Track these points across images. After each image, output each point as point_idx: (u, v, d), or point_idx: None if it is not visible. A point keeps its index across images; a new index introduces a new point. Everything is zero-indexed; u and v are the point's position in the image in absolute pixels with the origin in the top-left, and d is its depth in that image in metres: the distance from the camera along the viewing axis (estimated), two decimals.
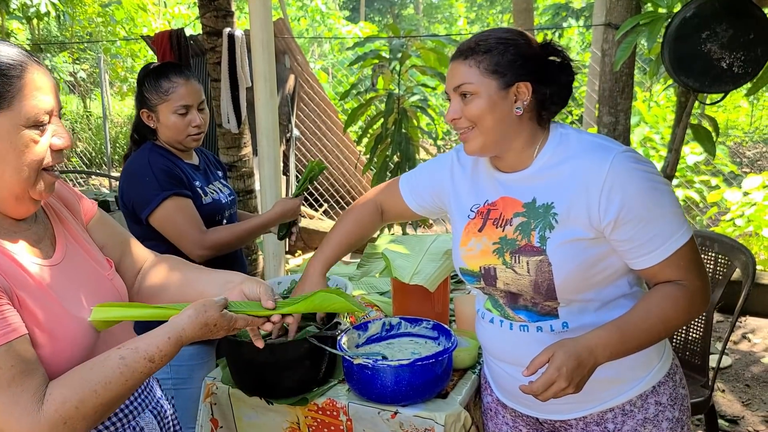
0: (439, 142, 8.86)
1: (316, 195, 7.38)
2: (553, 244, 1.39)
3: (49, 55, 10.76)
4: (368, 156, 4.17)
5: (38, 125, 1.12)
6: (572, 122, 11.41)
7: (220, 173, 2.34)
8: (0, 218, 1.17)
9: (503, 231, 1.48)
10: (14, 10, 8.61)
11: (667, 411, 1.48)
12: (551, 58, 1.46)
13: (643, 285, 1.52)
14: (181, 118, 2.07)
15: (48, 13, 8.61)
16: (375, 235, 4.38)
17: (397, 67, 3.96)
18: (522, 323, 1.49)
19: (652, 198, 1.33)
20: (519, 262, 1.43)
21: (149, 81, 2.06)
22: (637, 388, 1.46)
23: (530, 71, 1.40)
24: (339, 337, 1.70)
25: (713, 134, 2.80)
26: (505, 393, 1.62)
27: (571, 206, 1.38)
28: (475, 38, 1.44)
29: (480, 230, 1.53)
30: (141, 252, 1.54)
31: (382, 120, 4.02)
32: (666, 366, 1.50)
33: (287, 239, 2.36)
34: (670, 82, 3.47)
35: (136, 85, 2.14)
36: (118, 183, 2.19)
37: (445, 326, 1.78)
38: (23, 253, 1.17)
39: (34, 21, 9.46)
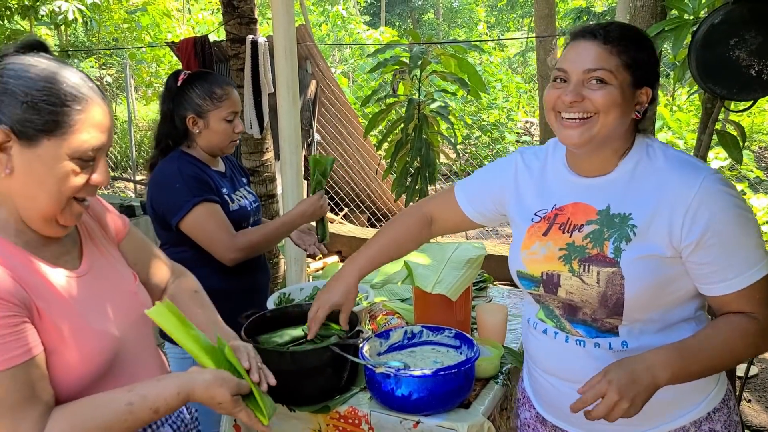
0: (459, 147, 8.86)
1: (336, 199, 7.40)
2: (628, 258, 1.32)
3: (76, 60, 10.92)
4: (388, 161, 4.17)
5: (83, 159, 1.13)
6: None
7: (244, 180, 2.36)
8: (30, 232, 1.18)
9: (570, 237, 1.40)
10: (43, 16, 8.74)
11: None
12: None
13: (706, 308, 1.45)
14: (229, 125, 2.12)
15: (75, 20, 8.74)
16: None
17: (418, 73, 3.97)
18: (579, 338, 1.41)
19: (738, 224, 1.27)
20: (588, 271, 1.36)
21: (200, 87, 2.09)
22: (692, 414, 1.39)
23: (653, 76, 1.35)
24: (361, 346, 1.70)
25: (740, 140, 2.76)
26: (549, 408, 1.54)
27: (652, 221, 1.31)
28: (613, 25, 1.35)
29: (545, 234, 1.45)
30: (165, 267, 1.57)
31: (402, 125, 4.02)
32: (722, 392, 1.43)
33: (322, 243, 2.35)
34: (696, 88, 3.43)
35: (167, 91, 2.14)
36: (145, 189, 2.23)
37: (468, 335, 1.77)
38: (49, 264, 1.18)
39: (62, 27, 9.60)
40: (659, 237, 1.30)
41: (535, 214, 1.48)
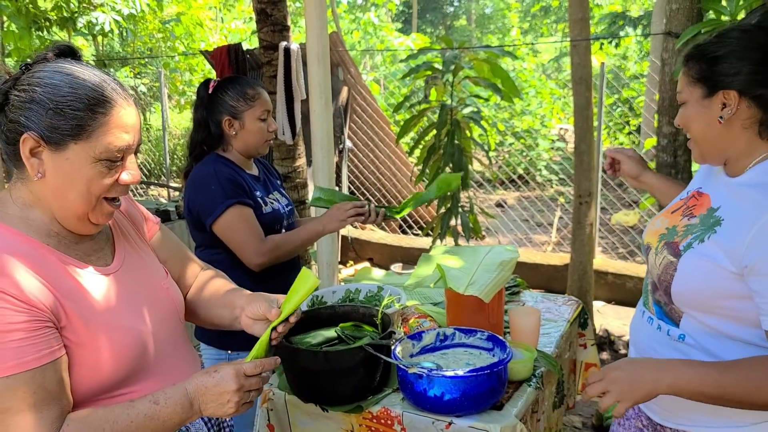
0: (492, 153, 8.83)
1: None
2: (690, 254, 1.38)
3: (112, 70, 11.16)
4: (420, 167, 4.17)
5: (111, 160, 1.17)
6: (629, 132, 11.20)
7: (278, 182, 2.40)
8: (63, 231, 1.21)
9: (680, 222, 1.48)
10: (80, 27, 8.96)
11: None
12: None
13: None
14: (263, 124, 2.18)
15: (112, 31, 8.94)
16: (429, 248, 4.38)
17: (450, 79, 3.97)
18: (651, 315, 1.53)
19: None
20: (661, 253, 1.46)
21: (232, 90, 2.15)
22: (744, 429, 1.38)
23: (744, 78, 1.34)
24: (394, 347, 1.71)
25: None
26: None
27: (728, 231, 1.33)
28: (694, 46, 1.45)
29: (673, 212, 1.55)
30: (196, 266, 1.59)
31: (434, 131, 4.03)
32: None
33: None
34: None
35: (199, 100, 2.19)
36: (179, 193, 2.28)
37: (500, 337, 1.77)
38: (81, 262, 1.21)
39: (99, 38, 9.83)
40: (725, 248, 1.32)
41: (687, 193, 1.58)
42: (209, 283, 1.57)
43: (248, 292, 1.49)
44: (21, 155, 1.14)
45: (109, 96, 1.16)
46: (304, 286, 1.38)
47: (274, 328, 1.37)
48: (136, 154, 1.24)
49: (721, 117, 1.36)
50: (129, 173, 1.20)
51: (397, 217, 2.33)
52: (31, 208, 1.19)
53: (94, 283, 1.21)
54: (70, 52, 1.22)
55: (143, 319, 1.27)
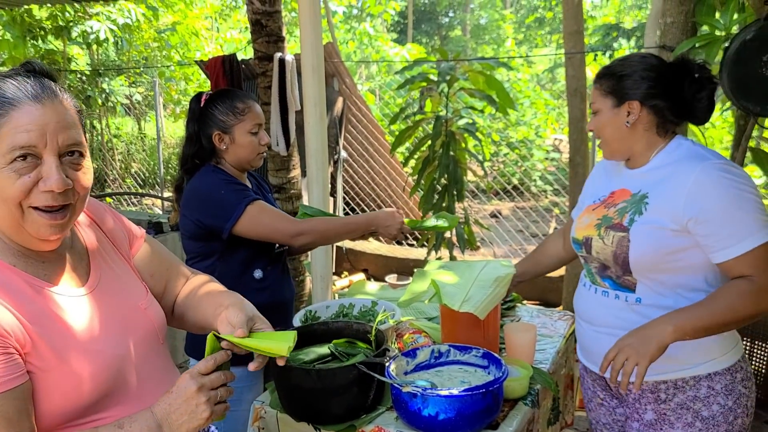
0: (486, 164, 8.82)
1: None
2: (636, 226, 1.68)
3: (107, 78, 11.13)
4: (416, 178, 4.16)
5: (19, 163, 1.08)
6: None
7: (270, 195, 2.39)
8: (25, 250, 1.17)
9: (608, 211, 1.80)
10: (76, 36, 8.95)
11: (720, 397, 1.68)
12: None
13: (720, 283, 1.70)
14: (254, 137, 2.16)
15: (107, 40, 8.93)
16: (430, 258, 4.36)
17: (445, 90, 3.96)
18: (605, 289, 1.80)
19: (733, 202, 1.57)
20: (607, 235, 1.75)
21: (222, 104, 2.14)
22: (691, 370, 1.68)
23: (644, 92, 1.71)
24: (387, 364, 1.68)
25: None
26: (584, 352, 1.93)
27: (660, 200, 1.66)
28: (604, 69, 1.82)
29: (594, 210, 1.86)
30: (187, 271, 1.56)
31: (429, 142, 4.02)
32: (726, 362, 1.69)
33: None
34: (728, 105, 3.38)
35: (191, 113, 2.17)
36: (173, 206, 2.25)
37: (496, 355, 1.75)
38: (49, 283, 1.17)
39: (94, 47, 9.81)
40: (664, 212, 1.64)
41: (599, 198, 1.89)
42: (201, 285, 1.53)
43: (240, 297, 1.45)
44: None
45: (12, 96, 1.09)
46: (279, 343, 1.30)
47: (221, 339, 1.29)
48: (76, 161, 1.15)
49: (627, 122, 1.73)
50: (46, 180, 1.09)
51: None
52: None
53: (65, 304, 1.18)
54: (40, 71, 1.17)
55: (118, 341, 1.23)
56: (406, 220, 2.27)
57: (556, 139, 11.83)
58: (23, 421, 1.06)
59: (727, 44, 2.46)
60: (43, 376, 1.10)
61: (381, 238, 7.16)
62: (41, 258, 1.19)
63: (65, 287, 1.20)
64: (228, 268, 2.11)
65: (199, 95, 2.19)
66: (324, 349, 1.79)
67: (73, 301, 1.20)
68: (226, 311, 1.34)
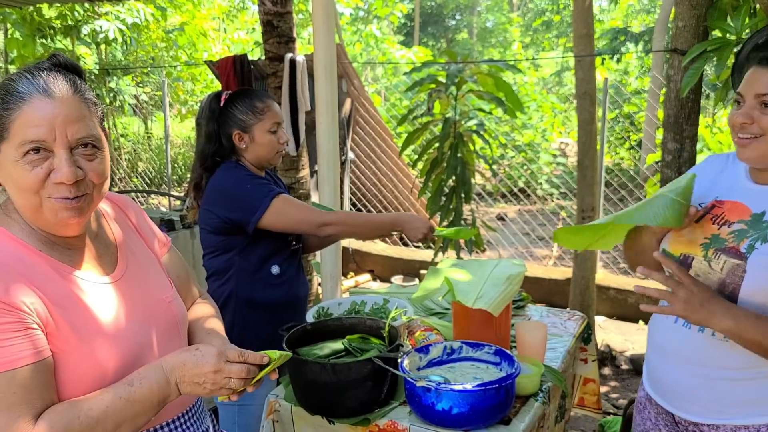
0: (493, 167, 8.84)
1: None
2: (757, 255, 1.43)
3: (115, 78, 11.19)
4: (423, 180, 4.18)
5: (32, 155, 1.12)
6: (630, 147, 11.23)
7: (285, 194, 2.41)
8: (51, 235, 1.21)
9: (718, 229, 1.52)
10: (84, 36, 9.00)
11: None
12: None
13: None
14: (273, 136, 2.19)
15: (116, 39, 8.98)
16: (437, 259, 4.38)
17: (454, 92, 3.98)
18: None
19: None
20: (717, 259, 1.49)
21: (242, 104, 2.17)
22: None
23: None
24: (401, 359, 1.71)
25: None
26: (653, 384, 1.69)
27: None
28: None
29: (697, 221, 1.57)
30: (196, 291, 1.60)
31: (437, 144, 4.03)
32: None
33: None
34: None
35: (211, 113, 2.20)
36: (180, 202, 2.29)
37: (508, 352, 1.77)
38: (74, 267, 1.21)
39: (102, 46, 9.87)
40: None
41: (699, 204, 1.59)
42: (204, 318, 1.54)
43: (224, 337, 1.47)
44: None
45: (24, 91, 1.13)
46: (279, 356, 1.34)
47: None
48: (89, 153, 1.18)
49: None
50: (58, 171, 1.13)
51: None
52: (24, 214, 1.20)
53: (89, 289, 1.21)
54: (67, 66, 1.22)
55: (140, 330, 1.26)
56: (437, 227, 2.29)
57: (562, 142, 11.85)
58: (43, 394, 1.10)
59: (737, 48, 2.47)
60: (64, 358, 1.13)
61: (387, 239, 7.20)
62: (67, 245, 1.23)
63: (90, 273, 1.23)
64: (247, 263, 2.14)
65: (218, 94, 2.22)
66: (338, 345, 1.82)
67: (97, 287, 1.23)
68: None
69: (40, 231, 1.20)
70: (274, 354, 1.30)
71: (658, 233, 1.63)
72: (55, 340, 1.13)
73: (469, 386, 1.55)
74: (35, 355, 1.09)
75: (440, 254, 4.34)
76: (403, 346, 1.78)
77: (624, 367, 4.53)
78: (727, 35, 2.62)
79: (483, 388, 1.55)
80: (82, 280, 1.21)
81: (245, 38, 14.12)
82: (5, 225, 1.18)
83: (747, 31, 2.61)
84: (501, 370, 1.77)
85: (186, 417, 1.36)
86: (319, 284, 4.61)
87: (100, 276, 1.25)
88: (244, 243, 2.14)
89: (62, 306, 1.15)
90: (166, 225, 4.13)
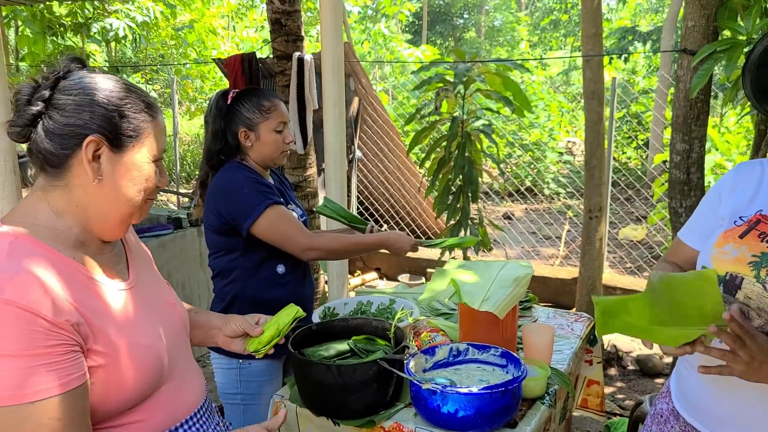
0: (501, 166, 8.82)
1: (376, 216, 7.43)
2: None
3: (124, 75, 11.24)
4: (430, 179, 4.17)
5: (156, 161, 1.23)
6: (637, 147, 11.18)
7: (292, 193, 2.41)
8: (90, 242, 1.20)
9: None
10: (94, 33, 9.04)
11: None
12: None
13: None
14: (279, 135, 2.19)
15: (125, 37, 9.01)
16: (444, 258, 4.37)
17: (462, 91, 3.97)
18: None
19: None
20: None
21: (248, 102, 2.18)
22: None
23: None
24: (407, 361, 1.70)
25: None
26: (685, 403, 1.56)
27: None
28: None
29: (741, 237, 1.42)
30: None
31: (445, 143, 4.03)
32: None
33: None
34: (747, 109, 3.37)
35: (218, 110, 2.20)
36: (189, 200, 2.29)
37: (515, 354, 1.76)
38: (106, 275, 1.20)
39: (112, 44, 9.90)
40: None
41: (739, 217, 1.46)
42: (192, 309, 1.59)
43: (221, 314, 1.60)
44: (74, 159, 1.13)
45: (153, 101, 1.24)
46: (289, 315, 1.51)
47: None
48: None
49: None
50: (163, 175, 1.27)
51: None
52: (61, 217, 1.16)
53: (116, 298, 1.19)
54: (82, 63, 1.24)
55: (159, 335, 1.25)
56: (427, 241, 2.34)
57: (569, 142, 11.81)
58: (82, 420, 1.06)
59: (747, 49, 2.46)
60: (101, 370, 1.10)
61: None
62: (99, 249, 1.22)
63: (117, 282, 1.22)
64: (251, 263, 2.13)
65: (226, 92, 2.22)
66: (343, 346, 1.81)
67: (121, 294, 1.21)
68: (221, 331, 1.53)
69: (80, 236, 1.18)
70: (288, 316, 1.49)
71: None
72: (94, 354, 1.09)
73: (475, 389, 1.55)
74: (77, 379, 1.05)
75: (447, 253, 4.33)
76: (408, 347, 1.77)
77: (630, 367, 4.51)
78: (738, 36, 2.60)
79: (489, 391, 1.54)
80: (110, 286, 1.19)
81: (254, 36, 14.15)
82: (34, 233, 1.12)
83: (758, 31, 2.59)
84: (507, 372, 1.76)
85: (199, 414, 1.36)
86: (326, 282, 4.61)
87: (122, 282, 1.24)
88: (246, 243, 2.13)
89: (98, 317, 1.12)
90: (174, 223, 4.14)
